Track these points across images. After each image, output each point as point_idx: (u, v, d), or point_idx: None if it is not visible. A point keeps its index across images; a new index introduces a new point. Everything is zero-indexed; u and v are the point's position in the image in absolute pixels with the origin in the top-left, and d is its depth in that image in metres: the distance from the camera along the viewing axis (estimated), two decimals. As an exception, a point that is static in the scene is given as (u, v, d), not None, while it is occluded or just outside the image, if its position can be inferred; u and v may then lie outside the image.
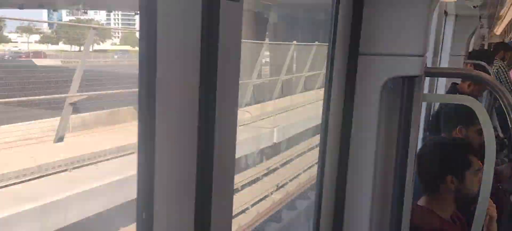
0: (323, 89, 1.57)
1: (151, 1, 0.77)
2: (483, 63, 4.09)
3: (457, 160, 2.15)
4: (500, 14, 7.57)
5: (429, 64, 3.60)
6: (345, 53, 1.50)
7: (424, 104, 3.20)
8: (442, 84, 4.79)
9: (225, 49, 0.86)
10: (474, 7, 4.14)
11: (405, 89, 1.48)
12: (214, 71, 0.86)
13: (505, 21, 10.71)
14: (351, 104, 1.52)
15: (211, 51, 0.84)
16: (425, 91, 2.79)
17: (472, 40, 6.55)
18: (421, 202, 2.17)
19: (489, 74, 3.92)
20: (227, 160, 0.95)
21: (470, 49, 5.70)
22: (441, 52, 5.09)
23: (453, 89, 3.83)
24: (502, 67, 5.36)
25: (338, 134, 1.53)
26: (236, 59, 0.92)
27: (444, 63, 5.01)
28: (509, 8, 7.51)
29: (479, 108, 1.67)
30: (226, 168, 0.95)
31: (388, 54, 1.46)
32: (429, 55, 4.05)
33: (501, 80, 5.15)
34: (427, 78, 3.27)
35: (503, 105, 1.59)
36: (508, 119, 1.59)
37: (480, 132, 1.99)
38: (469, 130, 2.72)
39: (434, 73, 2.18)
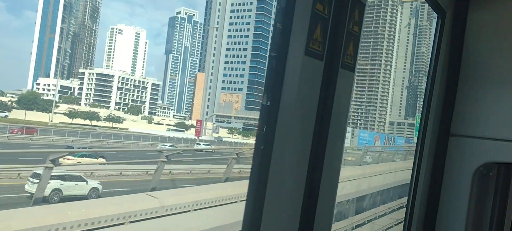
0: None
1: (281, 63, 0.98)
2: None
3: None
4: None
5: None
6: (435, 133, 1.56)
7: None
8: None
9: (337, 107, 1.08)
10: None
11: (501, 176, 1.48)
12: (327, 124, 1.06)
13: None
14: (439, 187, 1.55)
15: (326, 109, 1.06)
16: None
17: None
18: None
19: None
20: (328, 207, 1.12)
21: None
22: None
23: None
24: None
25: (423, 217, 1.56)
26: (344, 116, 1.14)
27: None
28: None
29: None
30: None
31: (483, 138, 1.47)
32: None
33: None
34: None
35: None
36: None
37: None
38: None
39: None
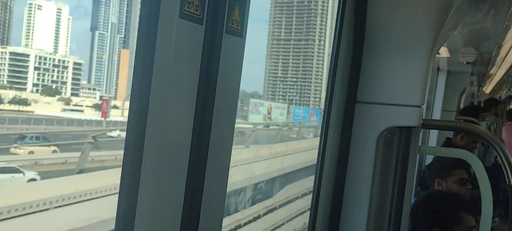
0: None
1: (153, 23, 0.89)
2: (473, 119, 4.64)
3: (446, 215, 2.37)
4: (491, 73, 7.62)
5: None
6: (342, 101, 1.68)
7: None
8: (433, 138, 5.21)
9: (224, 76, 1.01)
10: (467, 63, 4.60)
11: (402, 140, 1.65)
12: (212, 98, 0.98)
13: (495, 80, 10.95)
14: (346, 152, 1.69)
15: (210, 78, 0.97)
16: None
17: (463, 98, 7.22)
18: None
19: None
20: (218, 197, 1.06)
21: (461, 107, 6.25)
22: (433, 107, 5.72)
23: (447, 143, 4.25)
24: (495, 122, 6.00)
25: (332, 182, 1.70)
26: (233, 87, 1.07)
27: (437, 117, 5.61)
28: (499, 66, 7.14)
29: (476, 162, 1.88)
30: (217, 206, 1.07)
31: (386, 104, 1.65)
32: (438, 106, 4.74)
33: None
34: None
35: (500, 160, 1.84)
36: (505, 174, 1.82)
37: (459, 182, 2.52)
38: (447, 181, 2.97)
39: (431, 125, 2.37)
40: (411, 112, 1.69)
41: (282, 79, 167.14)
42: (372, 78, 1.72)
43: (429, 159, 4.39)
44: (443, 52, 4.58)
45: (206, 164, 1.01)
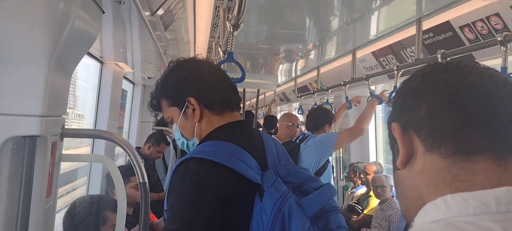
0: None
1: None
2: (164, 128, 5.36)
3: (94, 217, 2.58)
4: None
5: (104, 127, 4.60)
6: None
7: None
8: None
9: None
10: (148, 78, 5.41)
11: (26, 149, 1.61)
12: None
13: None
14: None
15: None
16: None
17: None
18: None
19: (166, 139, 5.14)
20: None
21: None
22: (130, 117, 6.72)
23: (138, 151, 4.75)
24: None
25: None
26: None
27: (134, 128, 6.82)
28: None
29: (112, 167, 2.01)
30: None
31: (5, 114, 1.58)
32: (105, 117, 4.70)
33: None
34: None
35: (131, 162, 1.95)
36: (136, 173, 1.91)
37: (136, 187, 2.58)
38: (126, 187, 3.00)
39: (72, 134, 2.18)
40: (32, 121, 1.72)
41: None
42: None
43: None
44: (125, 67, 4.86)
45: None
